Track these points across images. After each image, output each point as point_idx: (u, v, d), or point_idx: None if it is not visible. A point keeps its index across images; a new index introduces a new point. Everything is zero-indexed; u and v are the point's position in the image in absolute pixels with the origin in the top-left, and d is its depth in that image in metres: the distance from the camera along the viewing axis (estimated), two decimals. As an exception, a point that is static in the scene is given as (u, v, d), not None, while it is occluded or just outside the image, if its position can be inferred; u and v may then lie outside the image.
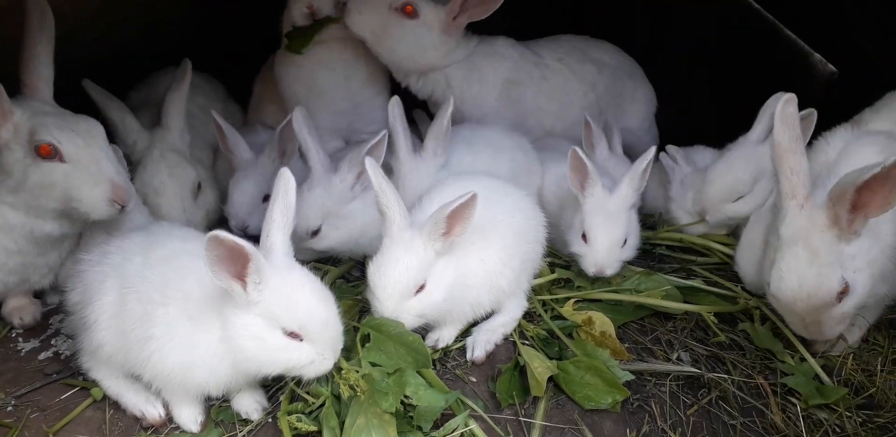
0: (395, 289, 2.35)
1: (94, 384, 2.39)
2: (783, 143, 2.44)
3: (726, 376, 2.60)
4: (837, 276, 2.35)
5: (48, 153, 2.48)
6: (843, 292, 2.38)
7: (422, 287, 2.39)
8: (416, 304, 2.39)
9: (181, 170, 3.25)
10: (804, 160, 2.44)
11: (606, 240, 2.89)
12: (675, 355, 2.69)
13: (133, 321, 2.14)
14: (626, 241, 2.94)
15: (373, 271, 2.39)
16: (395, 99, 3.11)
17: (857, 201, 2.29)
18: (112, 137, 3.16)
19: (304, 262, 2.22)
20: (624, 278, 2.99)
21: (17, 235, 2.61)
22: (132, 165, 3.22)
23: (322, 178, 2.86)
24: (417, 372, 2.29)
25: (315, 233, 2.90)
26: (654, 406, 2.47)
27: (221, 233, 1.86)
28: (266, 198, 3.31)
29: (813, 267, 2.35)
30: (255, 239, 2.09)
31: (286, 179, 2.18)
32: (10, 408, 2.37)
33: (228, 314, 2.04)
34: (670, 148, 3.68)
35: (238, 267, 1.94)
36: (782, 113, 2.45)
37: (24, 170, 2.50)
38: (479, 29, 3.70)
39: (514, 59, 3.77)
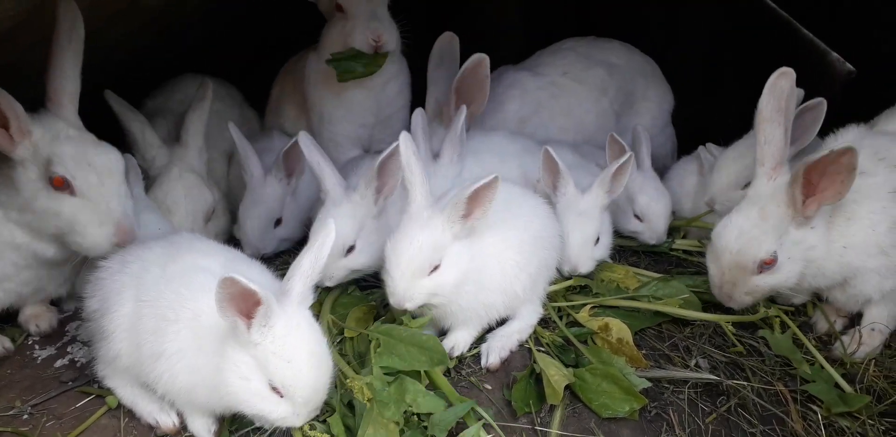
0: (408, 267, 2.35)
1: (109, 391, 2.39)
2: (765, 112, 2.56)
3: (745, 383, 2.56)
4: (770, 246, 2.55)
5: (60, 185, 2.46)
6: (768, 265, 2.58)
7: (436, 268, 2.39)
8: (428, 283, 2.39)
9: (198, 192, 3.25)
10: (780, 132, 2.58)
11: (578, 238, 2.93)
12: (693, 362, 2.65)
13: (146, 335, 2.13)
14: (598, 240, 3.00)
15: (389, 248, 2.40)
16: (420, 111, 3.15)
17: (810, 185, 2.46)
18: (129, 148, 3.18)
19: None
20: (641, 284, 2.97)
21: (24, 252, 2.60)
22: (148, 178, 3.23)
23: (342, 196, 2.80)
24: (428, 375, 2.28)
25: (350, 250, 2.79)
26: (672, 414, 2.44)
27: (236, 276, 1.82)
28: (278, 222, 3.32)
29: (755, 228, 2.56)
30: (267, 260, 2.06)
31: (328, 232, 2.11)
32: (25, 416, 2.37)
33: (227, 347, 2.01)
34: (709, 145, 3.64)
35: (248, 305, 1.91)
36: (772, 84, 2.56)
37: (34, 192, 2.48)
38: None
39: (516, 99, 3.79)
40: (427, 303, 2.43)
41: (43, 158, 2.46)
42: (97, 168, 2.50)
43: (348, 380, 2.19)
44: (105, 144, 2.60)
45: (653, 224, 3.36)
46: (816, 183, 2.46)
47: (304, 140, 2.83)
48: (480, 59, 3.23)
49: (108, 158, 2.55)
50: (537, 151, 3.22)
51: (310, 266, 2.05)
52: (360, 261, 2.79)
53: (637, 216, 3.38)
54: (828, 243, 2.61)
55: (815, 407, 2.51)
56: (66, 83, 2.57)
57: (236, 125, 3.66)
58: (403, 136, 2.44)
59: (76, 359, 2.66)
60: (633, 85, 4.02)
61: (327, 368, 2.05)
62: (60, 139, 2.50)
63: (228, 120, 3.56)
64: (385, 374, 2.27)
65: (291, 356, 1.95)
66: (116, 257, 2.41)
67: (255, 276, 2.22)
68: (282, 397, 1.99)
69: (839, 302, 2.83)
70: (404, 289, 2.37)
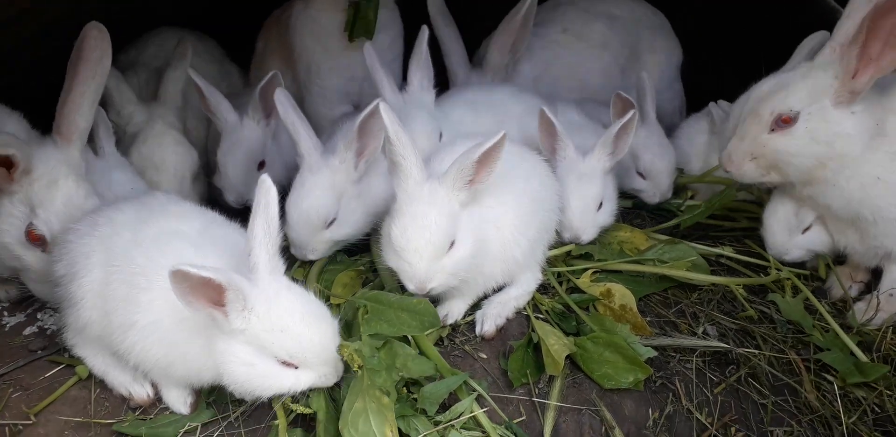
0: (427, 250, 2.14)
1: (80, 361, 2.24)
2: None
3: (756, 351, 2.43)
4: (795, 102, 2.41)
5: (36, 240, 2.33)
6: (784, 123, 2.43)
7: (451, 243, 2.20)
8: (449, 262, 2.19)
9: (184, 150, 3.07)
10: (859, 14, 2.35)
11: (580, 203, 2.74)
12: (700, 330, 2.51)
13: (116, 303, 1.97)
14: (601, 205, 2.80)
15: (397, 234, 2.17)
16: (424, 29, 2.92)
17: (867, 51, 2.27)
18: (105, 104, 2.99)
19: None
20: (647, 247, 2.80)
21: None
22: (123, 135, 3.05)
23: (320, 161, 2.58)
24: (417, 345, 2.14)
25: (332, 221, 2.60)
26: (678, 385, 2.30)
27: (185, 267, 1.65)
28: (261, 165, 3.08)
29: (791, 83, 2.44)
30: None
31: (266, 189, 1.90)
32: (-9, 387, 2.23)
33: (215, 339, 1.86)
34: (721, 103, 3.42)
35: (216, 293, 1.75)
36: None
37: (8, 228, 2.35)
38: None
39: (526, 60, 3.64)
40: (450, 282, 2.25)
41: (32, 202, 2.33)
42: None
43: (340, 351, 2.02)
44: (95, 198, 2.45)
45: (657, 182, 3.20)
46: (876, 51, 2.25)
47: (280, 97, 2.61)
48: None
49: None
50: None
51: (264, 233, 1.86)
52: (343, 232, 2.61)
53: (640, 173, 3.22)
54: (862, 154, 2.39)
55: (829, 377, 2.38)
56: (81, 120, 2.42)
57: (216, 81, 3.48)
58: (382, 106, 2.20)
59: (46, 327, 2.51)
60: (637, 37, 3.80)
61: (326, 322, 1.90)
62: (57, 188, 2.36)
63: (206, 76, 3.35)
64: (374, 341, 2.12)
65: (284, 326, 1.82)
66: (86, 218, 2.23)
67: (235, 240, 2.06)
68: (297, 367, 1.87)
69: (857, 255, 2.66)
70: (425, 272, 2.17)
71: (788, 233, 2.70)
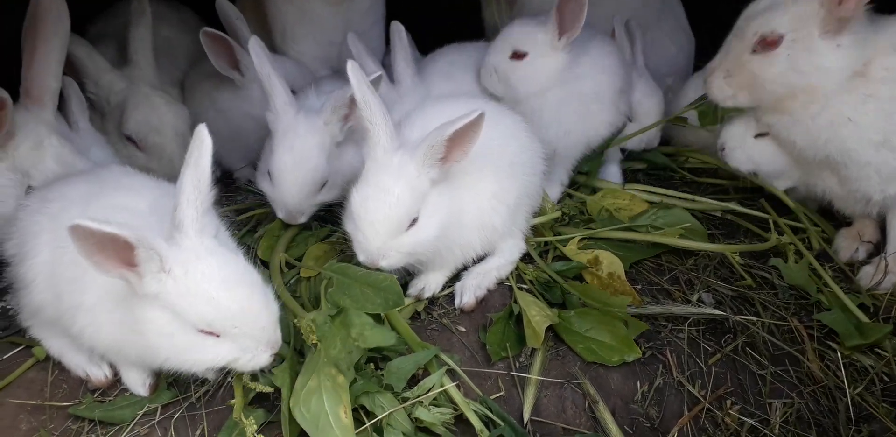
0: (384, 225, 2.00)
1: (38, 342, 2.14)
2: None
3: (755, 318, 2.28)
4: (780, 26, 2.32)
5: None
6: (768, 45, 2.34)
7: (414, 221, 2.05)
8: (407, 240, 2.05)
9: (178, 108, 2.93)
10: None
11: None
12: (695, 297, 2.36)
13: (65, 285, 1.86)
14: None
15: (357, 202, 2.03)
16: (398, 26, 2.74)
17: None
18: (77, 75, 2.88)
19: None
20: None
21: None
22: (107, 106, 2.92)
23: (300, 121, 2.45)
24: (387, 317, 2.01)
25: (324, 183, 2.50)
26: (669, 356, 2.16)
27: (85, 222, 1.51)
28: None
29: (781, 6, 2.34)
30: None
31: (201, 139, 1.74)
32: (-53, 370, 2.14)
33: (134, 306, 1.71)
34: None
35: (127, 254, 1.61)
36: None
37: (3, 200, 2.26)
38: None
39: None
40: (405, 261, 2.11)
41: (23, 166, 2.28)
42: None
43: (296, 320, 1.90)
44: (83, 156, 2.42)
45: (644, 123, 3.07)
46: None
47: (255, 48, 2.47)
48: None
49: None
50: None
51: (194, 188, 1.71)
52: (332, 194, 2.52)
53: (627, 117, 3.05)
54: (836, 92, 2.29)
55: (833, 345, 2.22)
56: (50, 80, 2.37)
57: (191, 53, 3.34)
58: (350, 65, 2.04)
59: (9, 307, 2.40)
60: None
61: (252, 288, 1.73)
62: (43, 148, 2.31)
63: (180, 47, 3.21)
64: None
65: (200, 290, 1.66)
66: (37, 193, 2.12)
67: None
68: (217, 336, 1.71)
69: (839, 200, 2.55)
70: (378, 248, 2.03)
71: (745, 129, 2.63)
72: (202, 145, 1.73)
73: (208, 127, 2.67)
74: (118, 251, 1.58)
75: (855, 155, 2.32)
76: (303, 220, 2.53)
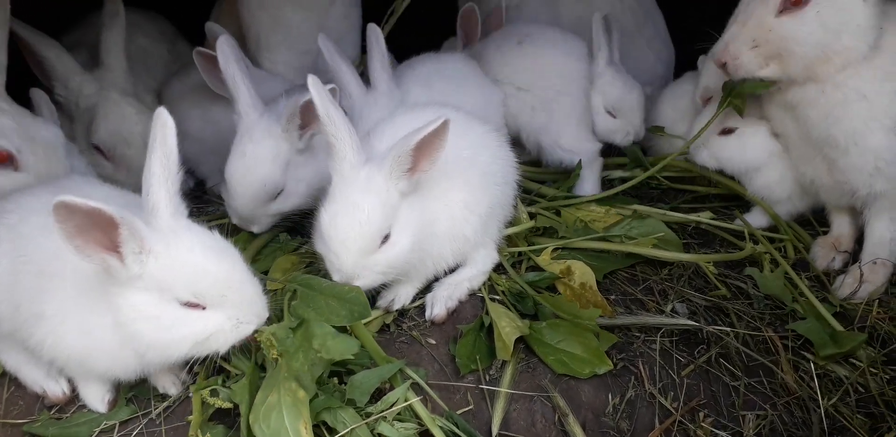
0: (356, 243, 1.95)
1: (-5, 357, 2.09)
2: None
3: (729, 329, 2.24)
4: None
5: (5, 160, 2.22)
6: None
7: (386, 237, 2.00)
8: (381, 258, 2.00)
9: (148, 117, 2.80)
10: None
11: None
12: (669, 307, 2.32)
13: (24, 295, 1.82)
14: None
15: (327, 221, 1.98)
16: (374, 28, 2.69)
17: None
18: (47, 78, 2.83)
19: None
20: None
21: None
22: (77, 110, 2.87)
23: (260, 126, 2.41)
24: (352, 329, 1.96)
25: (279, 193, 2.44)
26: (641, 367, 2.12)
27: (69, 198, 1.50)
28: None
29: None
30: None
31: (163, 123, 1.76)
32: None
33: (113, 296, 1.70)
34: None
35: (109, 237, 1.60)
36: None
37: None
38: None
39: None
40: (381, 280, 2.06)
41: None
42: (40, 143, 2.30)
43: (256, 334, 1.85)
44: (41, 119, 2.42)
45: (629, 118, 3.10)
46: None
47: (223, 46, 2.42)
48: None
49: (49, 133, 2.36)
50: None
51: (163, 169, 1.71)
52: (289, 203, 2.46)
53: (610, 112, 3.09)
54: (864, 60, 2.25)
55: (808, 355, 2.19)
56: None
57: (166, 62, 3.30)
58: (311, 80, 2.00)
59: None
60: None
61: (233, 257, 1.76)
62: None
63: (156, 56, 3.17)
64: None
65: (184, 260, 1.67)
66: None
67: None
68: (204, 308, 1.70)
69: (824, 190, 2.53)
70: (352, 266, 1.98)
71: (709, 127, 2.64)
72: (165, 126, 1.75)
73: (193, 136, 2.66)
74: (100, 232, 1.58)
75: (859, 138, 2.26)
76: (256, 229, 2.49)
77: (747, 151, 2.65)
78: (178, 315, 1.70)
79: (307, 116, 2.36)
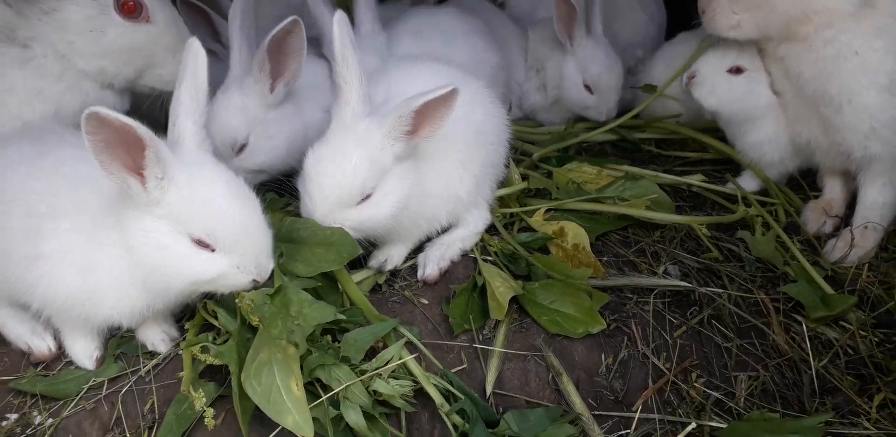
0: (333, 192, 1.90)
1: (-22, 315, 2.04)
2: None
3: (721, 291, 2.24)
4: None
5: (132, 11, 2.12)
6: None
7: (368, 196, 1.95)
8: (356, 215, 1.95)
9: None
10: None
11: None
12: (661, 269, 2.32)
13: (17, 239, 1.77)
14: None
15: (312, 162, 1.93)
16: None
17: None
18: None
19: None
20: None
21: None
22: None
23: (237, 78, 2.34)
24: (344, 291, 1.94)
25: (242, 147, 2.35)
26: (634, 328, 2.12)
27: (103, 110, 1.47)
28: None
29: None
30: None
31: (195, 53, 1.75)
32: None
33: (128, 219, 1.67)
34: None
35: (134, 158, 1.57)
36: None
37: (101, 30, 2.10)
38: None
39: None
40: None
41: None
42: None
43: (237, 300, 1.80)
44: None
45: (605, 97, 3.06)
46: None
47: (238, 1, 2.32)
48: None
49: None
50: (488, 32, 2.79)
51: (192, 100, 1.71)
52: (254, 161, 2.37)
53: (587, 87, 3.04)
54: (852, 17, 2.21)
55: (799, 318, 2.20)
56: None
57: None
58: (338, 16, 1.92)
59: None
60: None
61: (251, 204, 1.73)
62: None
63: None
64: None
65: (203, 197, 1.65)
66: None
67: None
68: (213, 250, 1.67)
69: (820, 153, 2.50)
70: (324, 216, 1.94)
71: (720, 60, 2.57)
72: (197, 57, 1.74)
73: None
74: (126, 151, 1.55)
75: (853, 96, 2.22)
76: None
77: (752, 96, 2.55)
78: (186, 252, 1.67)
79: (278, 64, 2.26)
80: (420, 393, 1.83)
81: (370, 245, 2.19)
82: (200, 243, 1.67)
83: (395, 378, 1.80)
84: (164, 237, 1.66)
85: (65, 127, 2.12)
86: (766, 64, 2.51)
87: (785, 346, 2.13)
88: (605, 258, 2.32)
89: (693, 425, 1.88)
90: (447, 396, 1.84)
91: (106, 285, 1.75)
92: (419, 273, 2.21)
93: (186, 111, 1.73)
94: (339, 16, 1.93)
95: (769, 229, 2.46)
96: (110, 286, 1.75)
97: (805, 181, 2.80)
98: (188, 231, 1.66)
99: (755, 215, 2.48)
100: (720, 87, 2.58)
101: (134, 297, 1.77)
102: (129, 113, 2.36)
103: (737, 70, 2.56)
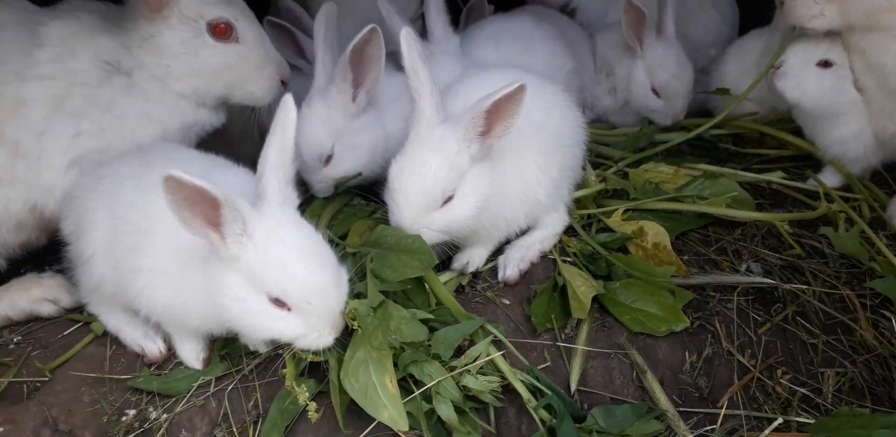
0: (417, 198, 2.00)
1: (96, 318, 2.21)
2: None
3: (805, 287, 2.23)
4: None
5: (223, 33, 2.27)
6: None
7: (450, 198, 2.04)
8: (441, 218, 2.04)
9: None
10: None
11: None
12: (743, 267, 2.32)
13: (123, 252, 1.92)
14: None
15: (395, 173, 2.04)
16: None
17: None
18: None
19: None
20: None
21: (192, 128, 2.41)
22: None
23: (320, 90, 2.44)
24: (432, 290, 2.02)
25: (328, 158, 2.46)
26: (718, 325, 2.13)
27: (178, 173, 1.54)
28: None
29: None
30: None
31: (287, 110, 1.79)
32: (11, 346, 2.22)
33: (211, 267, 1.75)
34: None
35: (213, 212, 1.65)
36: None
37: (194, 52, 2.28)
38: None
39: None
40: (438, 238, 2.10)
41: (194, 11, 2.26)
42: (244, 10, 2.37)
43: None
44: None
45: (672, 102, 3.06)
46: None
47: (324, 13, 2.43)
48: None
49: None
50: (562, 37, 2.85)
51: (278, 157, 1.75)
52: (343, 168, 2.47)
53: (655, 91, 3.05)
54: None
55: (887, 314, 2.17)
56: None
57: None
58: (405, 32, 2.03)
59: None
60: None
61: (328, 266, 1.76)
62: None
63: None
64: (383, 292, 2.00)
65: (280, 258, 1.68)
66: (91, 172, 2.18)
67: (236, 183, 1.93)
68: (288, 310, 1.73)
69: None
70: (412, 222, 2.03)
71: (811, 51, 2.52)
72: (288, 114, 1.79)
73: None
74: (205, 209, 1.62)
75: None
76: (318, 194, 2.53)
77: (838, 92, 2.50)
78: (262, 308, 1.72)
79: (359, 73, 2.36)
80: (507, 389, 1.89)
81: (452, 248, 2.29)
82: (277, 302, 1.71)
83: (483, 374, 1.87)
84: (243, 292, 1.72)
85: (170, 144, 2.29)
86: (850, 59, 2.48)
87: (873, 342, 2.11)
88: (685, 257, 2.34)
89: (780, 420, 1.89)
90: (533, 392, 1.90)
91: (191, 305, 1.86)
92: (500, 275, 2.28)
93: (272, 168, 1.76)
94: (405, 32, 2.03)
95: (853, 224, 2.42)
96: (195, 308, 1.86)
97: (890, 175, 2.75)
98: (265, 290, 1.71)
99: (838, 211, 2.45)
100: (808, 80, 2.53)
101: (214, 322, 1.89)
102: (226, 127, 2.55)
103: (825, 64, 2.51)
